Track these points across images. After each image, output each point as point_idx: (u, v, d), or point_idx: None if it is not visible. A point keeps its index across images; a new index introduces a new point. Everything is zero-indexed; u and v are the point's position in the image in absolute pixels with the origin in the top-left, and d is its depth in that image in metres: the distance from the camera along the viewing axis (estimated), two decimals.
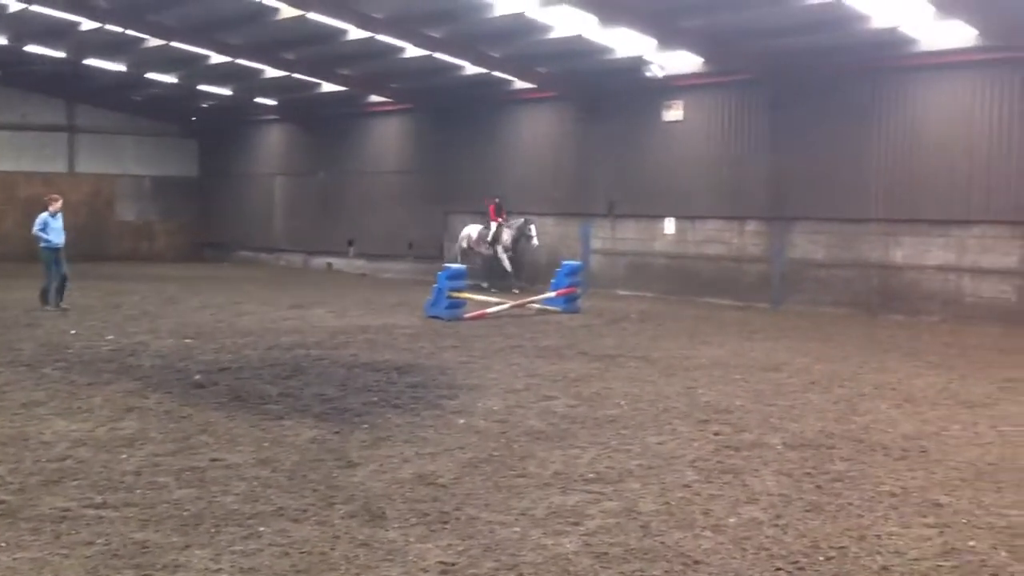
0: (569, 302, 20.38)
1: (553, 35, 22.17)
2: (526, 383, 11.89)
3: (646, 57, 23.18)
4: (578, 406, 10.53)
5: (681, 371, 13.11)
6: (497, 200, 27.12)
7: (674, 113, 25.17)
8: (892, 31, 19.68)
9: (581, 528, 6.36)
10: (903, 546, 6.10)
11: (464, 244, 27.82)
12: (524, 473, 7.70)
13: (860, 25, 19.33)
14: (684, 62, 23.44)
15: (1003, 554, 5.99)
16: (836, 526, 6.48)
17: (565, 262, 21.30)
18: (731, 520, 6.59)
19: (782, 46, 21.33)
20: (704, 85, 24.42)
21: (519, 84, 27.70)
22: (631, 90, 25.34)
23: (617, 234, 26.86)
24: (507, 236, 26.48)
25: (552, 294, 20.46)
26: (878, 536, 6.28)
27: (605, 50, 23.26)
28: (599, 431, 9.31)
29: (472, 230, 27.78)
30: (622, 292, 25.89)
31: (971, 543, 6.18)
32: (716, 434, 9.25)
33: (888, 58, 20.87)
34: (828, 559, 5.86)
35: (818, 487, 7.43)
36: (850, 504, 6.98)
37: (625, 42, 22.50)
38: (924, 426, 9.85)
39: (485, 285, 26.41)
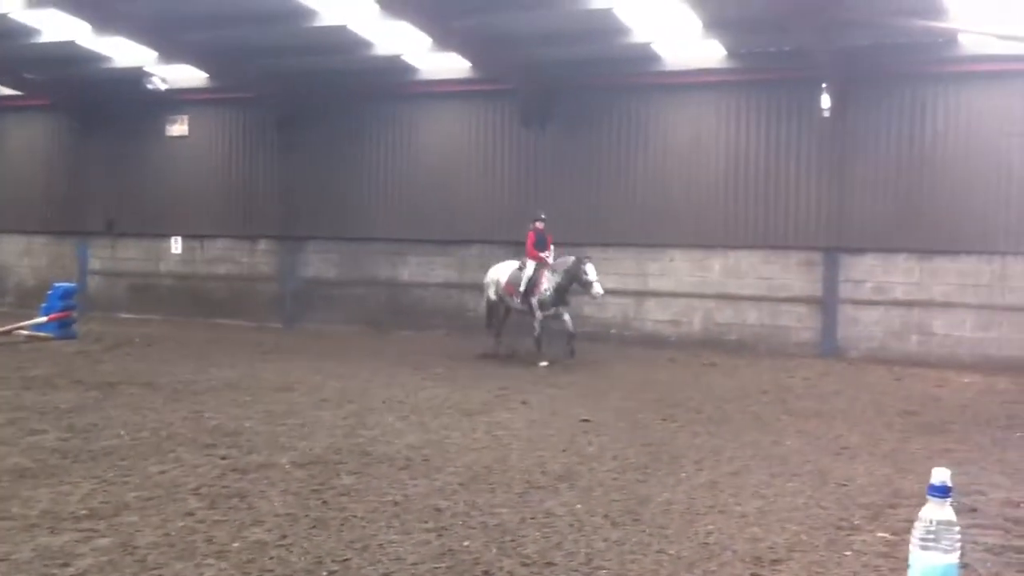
0: (63, 327, 18.78)
1: (42, 39, 20.34)
2: (10, 417, 10.67)
3: (147, 69, 22.11)
4: (71, 439, 9.63)
5: (188, 396, 12.54)
6: (539, 224, 17.66)
7: (179, 128, 24.39)
8: (395, 59, 20.53)
9: (70, 569, 5.79)
10: (403, 552, 6.20)
11: (491, 293, 18.38)
12: (6, 515, 6.86)
13: (364, 51, 19.93)
14: (189, 76, 22.70)
15: (494, 551, 6.29)
16: (341, 540, 6.44)
17: (57, 284, 19.60)
18: (235, 545, 6.33)
19: (288, 67, 21.46)
20: (210, 101, 23.90)
21: (5, 90, 25.19)
22: (133, 102, 24.12)
23: (118, 254, 25.39)
24: (547, 283, 17.20)
25: (43, 319, 18.72)
26: (381, 545, 6.34)
27: (102, 59, 21.83)
28: (94, 464, 8.56)
29: (501, 272, 18.21)
30: (125, 315, 24.51)
31: (466, 543, 6.42)
32: (223, 458, 8.89)
33: (391, 85, 21.80)
34: (331, 573, 5.80)
35: (324, 503, 7.37)
36: (355, 516, 6.99)
37: (124, 52, 21.28)
38: (427, 435, 10.21)
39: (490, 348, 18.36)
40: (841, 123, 18.84)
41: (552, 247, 17.54)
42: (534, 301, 17.22)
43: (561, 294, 17.06)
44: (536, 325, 17.17)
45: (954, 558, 2.78)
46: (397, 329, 22.14)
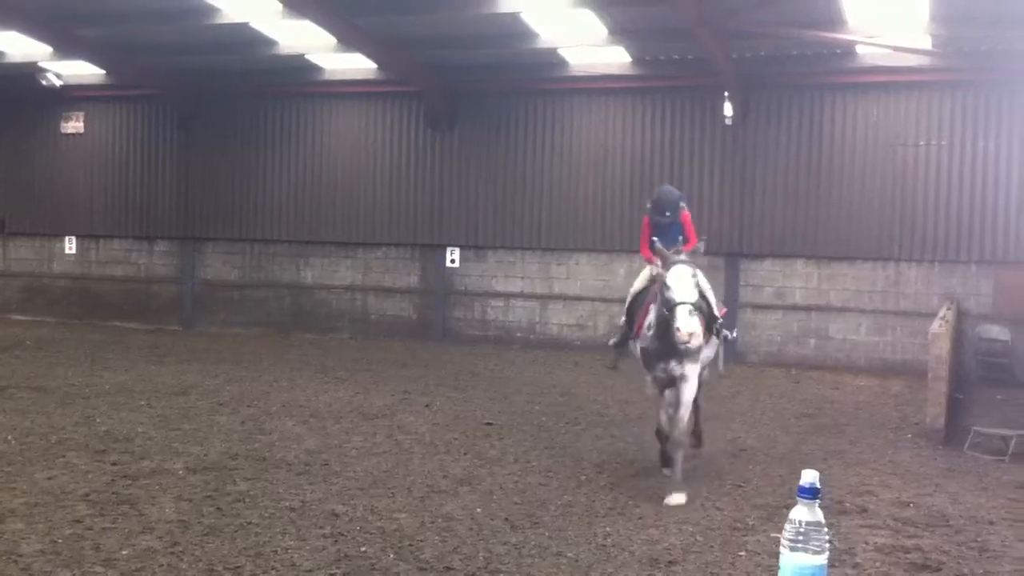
0: None
1: None
2: None
3: (41, 64, 21.41)
4: None
5: (80, 400, 12.20)
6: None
7: (74, 125, 23.70)
8: (299, 58, 20.23)
9: None
10: (298, 558, 6.11)
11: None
12: None
13: (267, 50, 19.59)
14: (85, 72, 22.07)
15: (391, 556, 6.24)
16: (234, 546, 6.32)
17: None
18: (124, 552, 6.19)
19: (189, 64, 20.99)
20: (108, 97, 23.29)
21: None
22: (25, 98, 23.34)
23: (9, 254, 24.61)
24: (653, 313, 8.56)
25: None
26: (275, 551, 6.23)
27: None
28: None
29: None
30: (16, 317, 23.70)
31: (363, 548, 6.36)
32: (114, 464, 8.68)
33: (295, 84, 21.48)
34: None
35: (218, 509, 7.23)
36: (250, 523, 6.87)
37: (16, 46, 20.56)
38: (327, 440, 10.08)
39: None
40: (743, 130, 19.18)
41: (698, 242, 8.98)
42: (638, 346, 8.95)
43: (663, 327, 8.20)
44: (650, 396, 9.23)
45: (823, 559, 2.82)
46: (300, 332, 21.82)
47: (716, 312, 8.75)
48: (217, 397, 12.71)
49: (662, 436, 8.62)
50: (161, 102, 22.80)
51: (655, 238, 8.54)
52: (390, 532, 6.76)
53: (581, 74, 19.85)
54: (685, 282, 7.89)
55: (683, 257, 8.12)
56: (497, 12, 16.66)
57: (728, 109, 18.87)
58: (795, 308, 19.09)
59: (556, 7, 16.54)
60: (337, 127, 22.06)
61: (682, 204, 9.23)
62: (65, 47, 20.21)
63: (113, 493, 7.66)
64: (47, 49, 20.41)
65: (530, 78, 20.12)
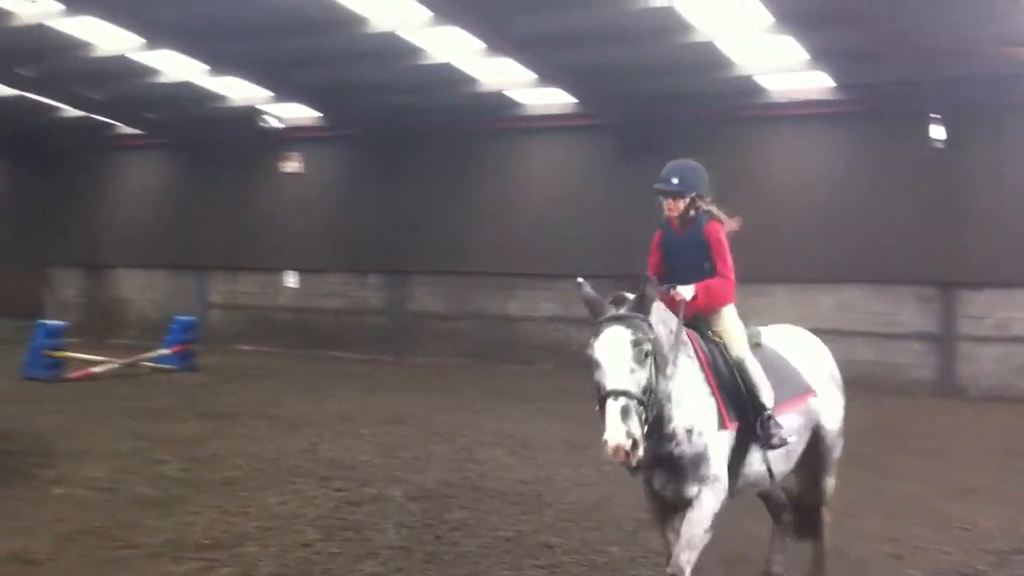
0: (185, 359, 19.34)
1: (160, 80, 21.16)
2: (134, 447, 11.06)
3: (261, 107, 22.83)
4: (192, 469, 9.93)
5: (304, 427, 12.79)
6: (668, 199, 6.10)
7: (292, 165, 25.00)
8: (498, 95, 20.80)
9: None
10: None
11: None
12: (131, 544, 7.11)
13: (468, 87, 20.25)
14: (301, 114, 23.39)
15: None
16: (453, 574, 6.51)
17: (179, 317, 20.20)
18: None
19: (396, 104, 21.90)
20: (323, 138, 24.51)
21: (125, 129, 26.25)
22: (247, 140, 24.82)
23: (237, 288, 26.12)
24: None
25: (166, 351, 19.34)
26: None
27: (217, 98, 22.64)
28: (215, 494, 8.80)
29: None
30: (243, 347, 25.10)
31: None
32: (339, 490, 9.06)
33: (495, 120, 22.04)
34: None
35: (437, 537, 7.46)
36: (468, 552, 7.06)
37: (238, 91, 22.03)
38: (538, 471, 10.23)
39: None
40: (952, 154, 18.30)
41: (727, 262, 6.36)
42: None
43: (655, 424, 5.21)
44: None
45: None
46: (504, 363, 22.20)
47: (764, 398, 5.62)
48: (430, 426, 13.09)
49: None
50: (371, 141, 23.82)
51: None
52: (602, 565, 6.82)
53: (779, 101, 19.55)
54: (619, 356, 4.95)
55: (622, 312, 5.14)
56: (692, 42, 16.69)
57: (937, 132, 18.11)
58: (1019, 340, 18.03)
59: (752, 34, 16.42)
60: (535, 160, 22.48)
61: (705, 205, 6.21)
62: (282, 91, 21.49)
63: (339, 519, 7.99)
64: (266, 93, 21.77)
65: (725, 106, 19.92)
